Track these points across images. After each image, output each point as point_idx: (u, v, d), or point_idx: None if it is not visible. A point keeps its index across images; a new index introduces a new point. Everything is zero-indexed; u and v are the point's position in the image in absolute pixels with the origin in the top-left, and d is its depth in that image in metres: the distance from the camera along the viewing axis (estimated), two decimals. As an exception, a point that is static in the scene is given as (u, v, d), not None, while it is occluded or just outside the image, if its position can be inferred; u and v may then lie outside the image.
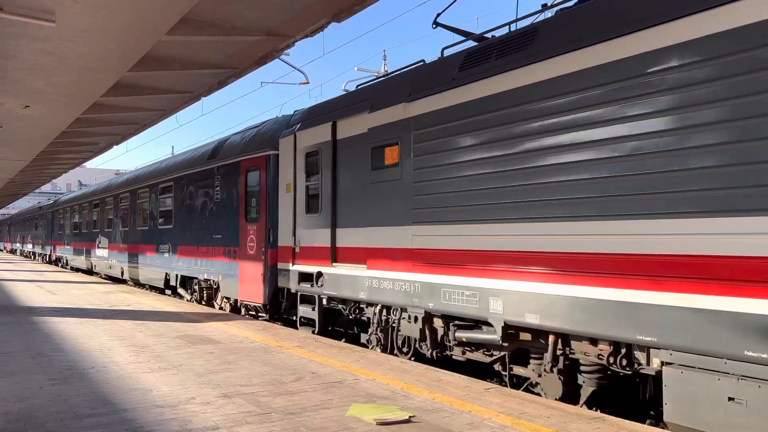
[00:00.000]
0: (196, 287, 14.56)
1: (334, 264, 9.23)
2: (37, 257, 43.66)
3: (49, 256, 36.78)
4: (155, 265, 17.33)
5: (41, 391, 6.03)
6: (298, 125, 10.58)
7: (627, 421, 5.26)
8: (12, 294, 16.49)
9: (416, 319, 7.70)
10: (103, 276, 24.41)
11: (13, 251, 62.27)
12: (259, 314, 12.19)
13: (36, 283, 20.84)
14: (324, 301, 9.72)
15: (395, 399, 5.86)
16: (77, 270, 28.51)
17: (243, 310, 12.63)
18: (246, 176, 12.11)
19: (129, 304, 14.30)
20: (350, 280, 8.78)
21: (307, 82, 20.03)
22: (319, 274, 9.56)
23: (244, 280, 11.95)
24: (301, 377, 6.77)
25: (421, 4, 18.58)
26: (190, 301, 14.93)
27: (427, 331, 7.65)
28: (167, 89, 12.50)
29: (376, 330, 8.66)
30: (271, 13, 8.58)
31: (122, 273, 20.71)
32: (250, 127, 13.59)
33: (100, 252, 23.73)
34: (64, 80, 10.62)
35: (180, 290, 15.69)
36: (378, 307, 8.55)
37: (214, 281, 13.61)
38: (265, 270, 11.18)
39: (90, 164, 42.38)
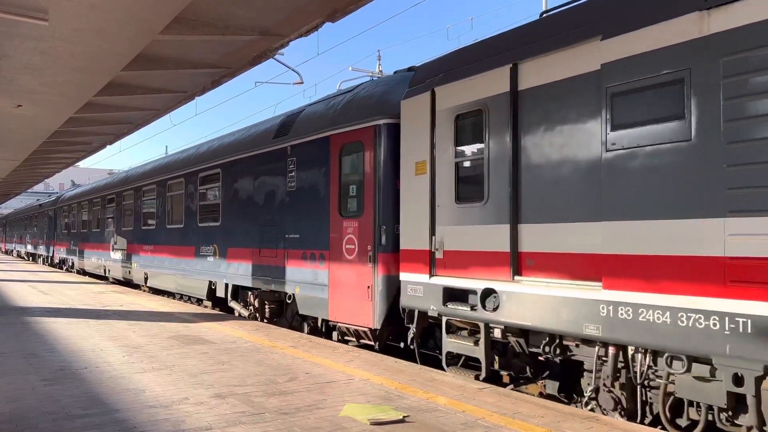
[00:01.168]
0: (256, 300, 11.53)
1: (516, 278, 6.40)
2: (36, 259, 40.45)
3: (51, 257, 33.66)
4: (194, 271, 14.17)
5: (33, 392, 6.00)
6: (438, 77, 7.64)
7: (620, 420, 5.27)
8: (4, 294, 16.39)
9: (738, 379, 4.64)
10: (112, 280, 22.32)
11: (8, 252, 59.06)
12: (362, 340, 8.89)
13: (29, 283, 20.73)
14: (496, 333, 6.77)
15: (389, 399, 5.86)
16: (85, 273, 26.05)
17: (335, 334, 9.62)
18: (340, 156, 9.21)
19: (122, 304, 14.24)
20: (560, 304, 5.85)
21: (302, 82, 20.02)
22: (489, 293, 6.69)
23: (340, 295, 8.98)
24: (295, 377, 6.76)
25: (416, 4, 18.63)
26: (248, 318, 12.00)
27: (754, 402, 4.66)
28: (161, 89, 12.46)
29: (609, 383, 5.73)
30: (265, 12, 8.58)
31: (145, 279, 17.77)
32: (335, 94, 10.52)
33: (116, 254, 20.59)
34: (58, 79, 10.57)
35: (232, 303, 12.64)
36: (612, 349, 5.62)
37: (286, 294, 10.67)
38: (375, 282, 8.30)
39: (83, 164, 42.19)
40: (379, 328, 8.29)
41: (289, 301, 10.67)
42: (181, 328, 10.50)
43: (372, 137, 8.58)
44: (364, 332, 8.65)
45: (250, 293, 11.93)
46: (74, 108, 12.86)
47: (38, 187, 61.57)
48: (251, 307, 11.81)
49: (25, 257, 45.93)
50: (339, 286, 9.02)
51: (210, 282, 13.42)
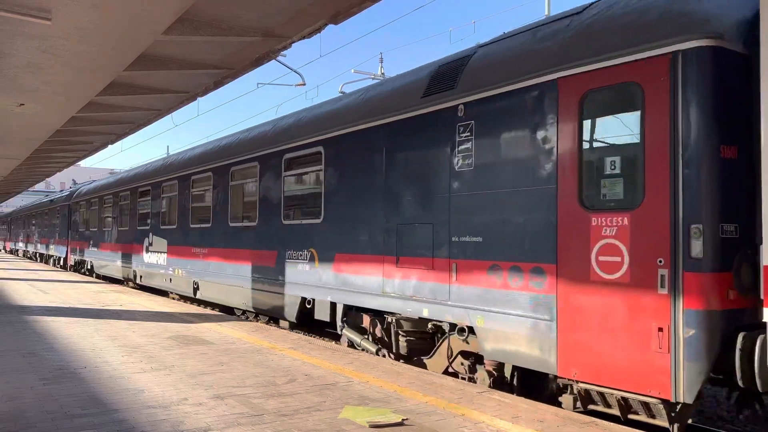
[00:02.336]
0: (392, 330, 8.22)
1: None
2: (46, 260, 36.23)
3: (65, 259, 29.46)
4: (275, 283, 10.84)
5: (32, 391, 5.99)
6: None
7: (619, 426, 5.26)
8: (4, 293, 16.39)
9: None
10: (132, 285, 19.52)
11: (14, 252, 54.38)
12: (635, 415, 5.60)
13: (29, 282, 20.73)
14: None
15: (388, 402, 5.85)
16: (103, 278, 23.01)
17: (569, 399, 6.09)
18: (580, 111, 5.96)
19: (122, 304, 14.23)
20: None
21: (304, 84, 20.04)
22: None
23: (586, 337, 5.75)
24: (294, 379, 6.75)
25: (418, 8, 18.65)
26: (376, 353, 8.55)
27: None
28: (163, 89, 12.47)
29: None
30: (268, 14, 8.58)
31: (195, 290, 14.22)
32: (542, 21, 7.02)
33: (153, 257, 16.91)
34: (60, 79, 10.59)
35: (347, 332, 9.10)
36: None
37: (453, 326, 7.25)
38: (678, 321, 5.10)
39: (84, 163, 42.29)
40: (687, 401, 5.01)
41: (453, 335, 7.31)
42: (180, 328, 10.49)
43: (665, 74, 5.30)
44: (650, 405, 5.36)
45: (368, 316, 8.86)
46: (76, 107, 12.88)
47: (39, 186, 61.51)
48: (369, 336, 8.84)
49: (32, 257, 42.63)
50: (583, 322, 5.77)
51: (303, 299, 9.98)
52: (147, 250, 17.33)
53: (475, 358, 7.22)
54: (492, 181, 6.81)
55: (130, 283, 19.72)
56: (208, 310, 13.55)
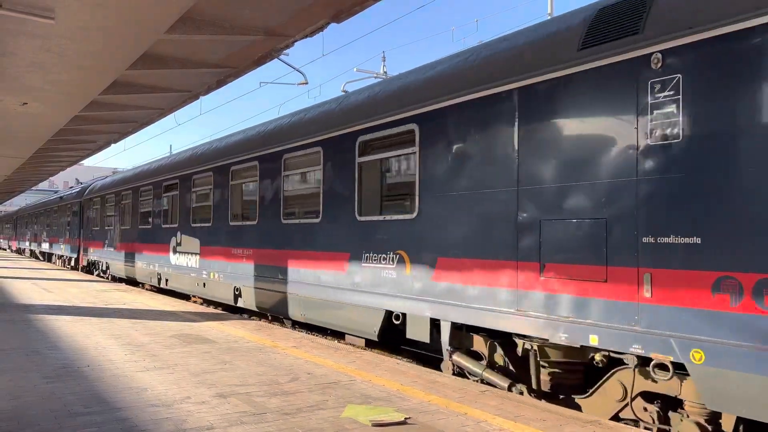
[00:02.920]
0: (532, 360, 6.38)
1: None
2: (55, 260, 33.88)
3: (76, 259, 27.54)
4: (346, 290, 9.02)
5: (35, 389, 6.00)
6: None
7: (622, 426, 5.26)
8: (7, 292, 16.44)
9: None
10: (149, 288, 18.33)
11: (21, 251, 51.54)
12: None
13: (31, 280, 20.79)
14: None
15: (391, 400, 5.85)
16: (119, 280, 21.06)
17: None
18: None
19: (125, 302, 14.26)
20: None
21: (306, 83, 20.03)
22: None
23: None
24: (296, 378, 6.76)
25: (421, 6, 18.64)
26: (507, 389, 6.61)
27: None
28: (166, 88, 12.49)
29: None
30: (270, 13, 8.59)
31: (237, 296, 12.37)
32: None
33: (182, 258, 14.95)
34: (63, 78, 10.61)
35: (460, 358, 7.22)
36: None
37: (654, 361, 5.20)
38: None
39: (87, 162, 42.33)
40: None
41: (625, 368, 5.58)
42: (183, 327, 10.51)
43: None
44: None
45: (483, 338, 7.15)
46: (79, 106, 12.91)
47: (43, 184, 61.59)
48: (485, 363, 7.07)
49: (40, 257, 40.53)
50: None
51: (389, 313, 8.23)
52: (174, 251, 15.33)
53: (665, 401, 5.49)
54: (722, 158, 4.79)
55: (146, 286, 18.56)
56: (210, 309, 13.56)
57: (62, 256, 31.47)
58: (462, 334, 7.36)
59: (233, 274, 12.46)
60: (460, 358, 7.22)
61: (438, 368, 7.61)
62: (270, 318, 12.31)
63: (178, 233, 15.21)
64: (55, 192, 61.41)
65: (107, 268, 22.35)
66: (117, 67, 10.03)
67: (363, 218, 8.83)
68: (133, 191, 19.34)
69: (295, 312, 10.39)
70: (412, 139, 7.89)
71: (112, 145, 20.55)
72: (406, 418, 5.22)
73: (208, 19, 8.76)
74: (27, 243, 46.99)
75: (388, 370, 7.28)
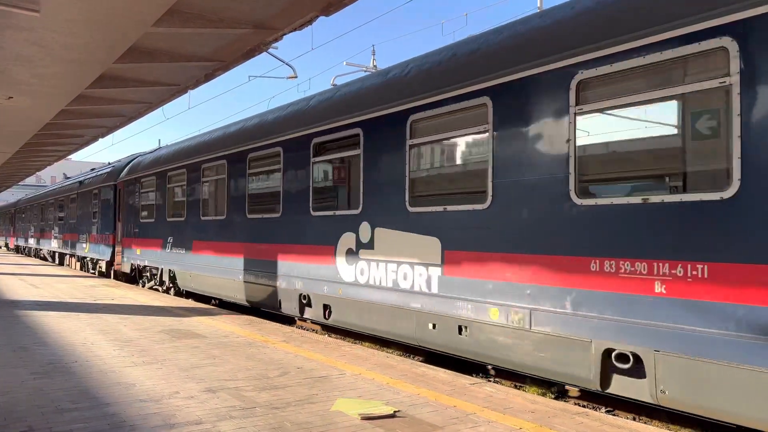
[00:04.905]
0: None
1: None
2: (70, 262, 26.95)
3: (108, 262, 20.55)
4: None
5: (22, 385, 5.96)
6: None
7: (610, 417, 5.29)
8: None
9: None
10: (238, 300, 12.08)
11: (21, 250, 43.86)
12: None
13: (18, 276, 20.62)
14: None
15: (380, 394, 5.86)
16: (196, 298, 14.80)
17: None
18: None
19: (114, 298, 14.18)
20: None
21: (296, 77, 19.94)
22: None
23: None
24: (286, 372, 6.75)
25: (410, 0, 18.56)
26: None
27: None
28: (154, 81, 12.41)
29: None
30: (259, 6, 8.54)
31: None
32: None
33: (377, 269, 8.20)
34: (49, 71, 10.50)
35: None
36: None
37: None
38: None
39: (75, 157, 42.00)
40: None
41: None
42: (172, 322, 10.47)
43: None
44: None
45: None
46: (66, 100, 12.79)
47: (30, 180, 60.99)
48: None
49: (48, 258, 33.04)
50: None
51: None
52: (354, 256, 8.65)
53: None
54: None
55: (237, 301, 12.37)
56: (200, 304, 13.50)
57: (85, 257, 23.98)
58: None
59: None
60: None
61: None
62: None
63: (366, 225, 8.50)
64: (43, 186, 60.37)
65: (172, 277, 15.33)
66: (104, 61, 9.94)
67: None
68: (232, 161, 12.19)
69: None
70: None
71: (100, 139, 20.38)
72: (395, 412, 5.23)
73: (196, 11, 8.69)
74: (30, 240, 38.91)
75: (377, 364, 7.30)
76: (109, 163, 25.57)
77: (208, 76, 11.97)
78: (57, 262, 30.36)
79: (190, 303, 13.57)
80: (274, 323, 10.62)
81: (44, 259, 33.97)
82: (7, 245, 52.26)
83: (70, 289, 16.27)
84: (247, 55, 10.59)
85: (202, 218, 13.62)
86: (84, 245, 23.86)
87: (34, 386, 5.93)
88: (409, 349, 9.11)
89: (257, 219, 11.36)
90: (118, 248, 19.88)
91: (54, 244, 30.31)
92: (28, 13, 7.59)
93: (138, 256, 17.77)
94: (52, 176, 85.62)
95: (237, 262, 11.96)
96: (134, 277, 18.60)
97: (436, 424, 4.94)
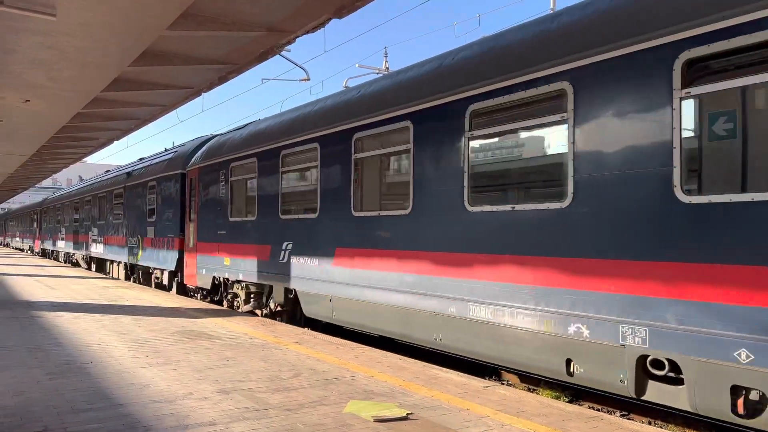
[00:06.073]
0: None
1: None
2: (111, 270, 23.25)
3: (174, 273, 16.04)
4: None
5: (38, 386, 6.02)
6: None
7: (626, 420, 5.24)
8: (10, 289, 16.48)
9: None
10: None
11: (47, 254, 39.47)
12: None
13: (35, 277, 20.83)
14: None
15: (393, 396, 5.84)
16: (309, 323, 10.99)
17: None
18: None
19: (128, 299, 14.28)
20: None
21: (308, 79, 19.97)
22: None
23: None
24: (299, 374, 6.76)
25: (423, 2, 18.54)
26: None
27: None
28: (168, 84, 12.47)
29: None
30: (272, 8, 8.56)
31: None
32: None
33: None
34: (65, 75, 10.61)
35: None
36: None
37: None
38: None
39: (90, 159, 42.34)
40: None
41: None
42: (186, 323, 10.52)
43: None
44: None
45: None
46: (81, 103, 12.90)
47: (46, 182, 61.59)
48: None
49: (81, 263, 28.98)
50: None
51: None
52: None
53: None
54: None
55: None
56: (212, 306, 13.55)
57: (136, 266, 19.83)
58: None
59: None
60: None
61: None
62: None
63: None
64: (59, 189, 60.40)
65: (291, 299, 10.71)
66: (119, 64, 10.02)
67: None
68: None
69: None
70: None
71: (115, 142, 20.53)
72: (408, 414, 5.22)
73: (210, 15, 8.73)
74: (59, 243, 33.86)
75: (390, 366, 7.28)
76: (166, 149, 20.32)
77: (222, 79, 12.02)
78: (94, 269, 26.21)
79: (202, 304, 13.62)
80: (287, 325, 10.64)
81: (75, 264, 30.20)
82: (31, 248, 47.02)
83: (85, 290, 16.35)
84: (260, 58, 10.62)
85: (364, 214, 8.76)
86: (135, 251, 19.26)
87: (49, 386, 5.98)
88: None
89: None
90: (189, 256, 15.00)
91: (92, 249, 25.71)
92: (45, 17, 7.66)
93: (226, 267, 12.88)
94: (68, 178, 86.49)
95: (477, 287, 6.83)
96: (219, 295, 13.89)
97: (449, 426, 4.91)
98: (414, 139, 7.82)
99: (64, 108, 13.34)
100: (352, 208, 8.96)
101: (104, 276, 22.34)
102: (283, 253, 10.78)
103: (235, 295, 13.01)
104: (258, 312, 12.21)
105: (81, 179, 47.35)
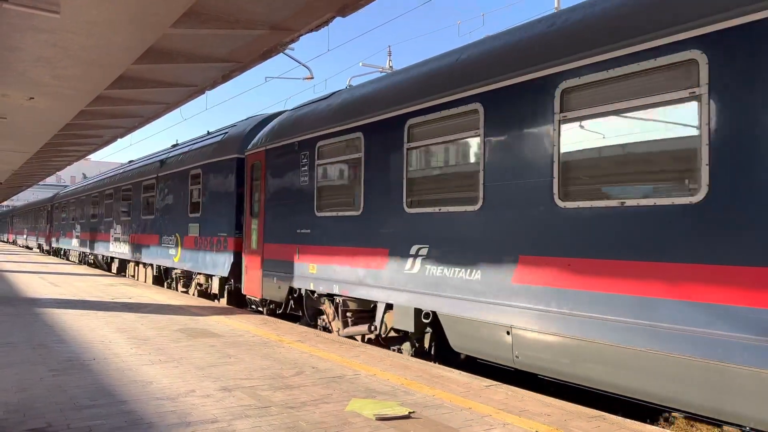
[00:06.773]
0: None
1: None
2: (135, 271, 20.19)
3: (224, 279, 13.38)
4: None
5: (41, 382, 6.04)
6: None
7: (628, 420, 5.24)
8: (14, 285, 16.53)
9: None
10: None
11: (59, 253, 35.45)
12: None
13: (39, 274, 20.89)
14: None
15: (395, 395, 5.85)
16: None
17: None
18: None
19: (131, 296, 14.32)
20: None
21: (312, 77, 19.96)
22: None
23: None
24: (301, 371, 6.77)
25: (427, 1, 18.53)
26: None
27: None
28: (171, 82, 12.50)
29: None
30: (275, 7, 8.57)
31: None
32: None
33: None
34: (69, 72, 10.63)
35: None
36: None
37: None
38: None
39: (94, 157, 42.45)
40: None
41: None
42: (189, 321, 10.54)
43: None
44: None
45: None
46: (86, 101, 12.93)
47: (50, 179, 61.76)
48: None
49: (105, 266, 24.91)
50: None
51: None
52: None
53: None
54: None
55: None
56: (214, 303, 13.57)
57: (172, 269, 16.74)
58: None
59: None
60: None
61: None
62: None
63: None
64: (62, 186, 60.40)
65: (428, 323, 7.73)
66: (123, 62, 10.03)
67: None
68: None
69: None
70: None
71: (119, 140, 20.57)
72: (410, 412, 5.22)
73: (213, 13, 8.75)
74: (74, 242, 30.03)
75: (392, 364, 7.29)
76: (209, 132, 16.67)
77: (226, 77, 12.03)
78: (115, 271, 22.87)
79: (205, 302, 13.65)
80: (289, 323, 10.65)
81: (91, 264, 27.23)
82: (40, 246, 43.25)
83: (89, 287, 16.39)
84: (263, 56, 10.63)
85: (578, 204, 5.82)
86: (172, 252, 16.36)
87: (52, 383, 6.00)
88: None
89: None
90: (250, 260, 12.12)
91: (115, 248, 22.15)
92: (49, 14, 7.68)
93: (311, 276, 10.08)
94: (72, 176, 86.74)
95: None
96: (287, 306, 11.04)
97: (451, 425, 4.92)
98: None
99: (68, 106, 13.38)
100: (555, 197, 5.98)
101: (108, 273, 22.38)
102: (411, 260, 7.89)
103: (320, 312, 10.28)
104: (357, 338, 9.24)
105: (85, 177, 47.01)
